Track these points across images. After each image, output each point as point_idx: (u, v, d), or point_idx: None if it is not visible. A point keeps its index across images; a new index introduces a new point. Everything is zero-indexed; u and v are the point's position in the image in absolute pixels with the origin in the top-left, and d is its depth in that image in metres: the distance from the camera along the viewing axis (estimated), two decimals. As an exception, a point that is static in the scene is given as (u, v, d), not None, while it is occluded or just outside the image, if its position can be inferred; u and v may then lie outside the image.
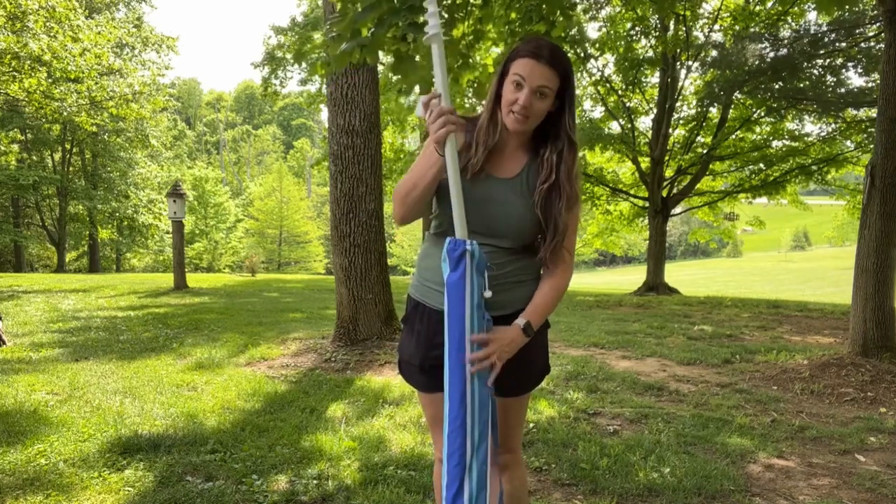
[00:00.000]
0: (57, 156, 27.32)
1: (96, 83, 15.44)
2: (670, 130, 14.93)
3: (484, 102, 1.77)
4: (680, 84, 14.72)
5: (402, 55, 2.94)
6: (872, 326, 5.03)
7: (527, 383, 1.85)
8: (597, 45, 14.55)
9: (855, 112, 12.53)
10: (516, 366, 1.74)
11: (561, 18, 4.93)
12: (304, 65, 17.94)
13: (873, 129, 6.22)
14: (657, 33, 14.19)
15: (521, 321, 1.69)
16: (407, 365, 1.86)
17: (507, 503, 1.91)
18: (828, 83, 11.60)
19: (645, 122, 17.19)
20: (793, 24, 12.86)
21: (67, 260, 28.68)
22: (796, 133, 14.51)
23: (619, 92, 15.51)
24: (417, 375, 1.83)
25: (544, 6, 4.70)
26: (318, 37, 17.54)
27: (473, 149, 1.69)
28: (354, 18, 2.79)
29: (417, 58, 3.07)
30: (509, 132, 1.71)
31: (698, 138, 15.32)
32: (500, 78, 1.69)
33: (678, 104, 15.08)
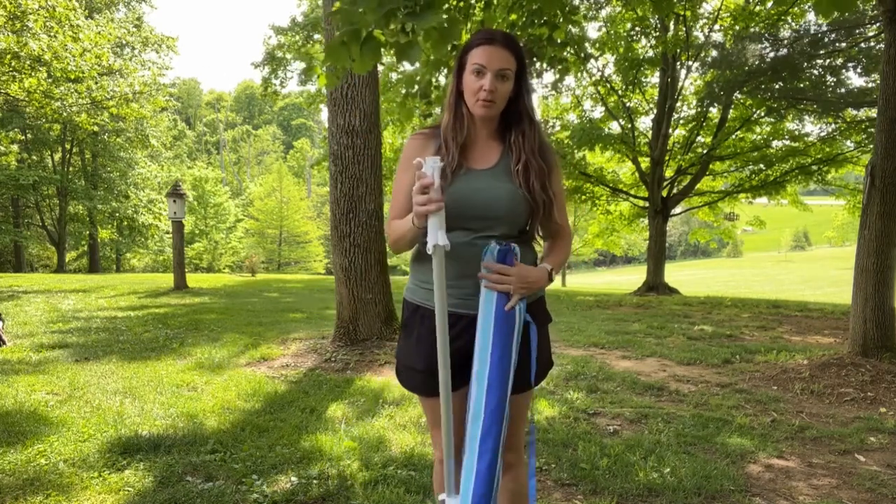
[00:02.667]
0: (57, 156, 27.32)
1: (96, 83, 15.44)
2: (670, 130, 14.93)
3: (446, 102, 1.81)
4: (680, 84, 14.72)
5: (403, 45, 2.92)
6: (872, 326, 5.03)
7: (529, 376, 1.84)
8: (597, 45, 14.55)
9: (855, 112, 12.52)
10: (521, 360, 1.76)
11: (561, 20, 4.93)
12: (314, 78, 17.97)
13: (873, 129, 6.21)
14: (657, 33, 14.19)
15: (546, 265, 1.76)
16: (408, 370, 1.85)
17: (511, 502, 1.91)
18: (828, 83, 11.60)
19: (645, 122, 17.20)
20: (793, 24, 12.85)
21: (67, 260, 28.68)
22: (796, 133, 14.51)
23: (619, 92, 15.51)
24: (423, 380, 1.82)
25: (545, 10, 4.69)
26: (317, 40, 17.55)
27: (444, 149, 1.74)
28: (352, 11, 2.77)
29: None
30: (478, 124, 1.77)
31: (698, 138, 15.32)
32: (458, 72, 1.74)
33: (678, 104, 15.08)
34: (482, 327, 1.67)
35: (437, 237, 1.53)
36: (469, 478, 1.64)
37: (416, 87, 4.99)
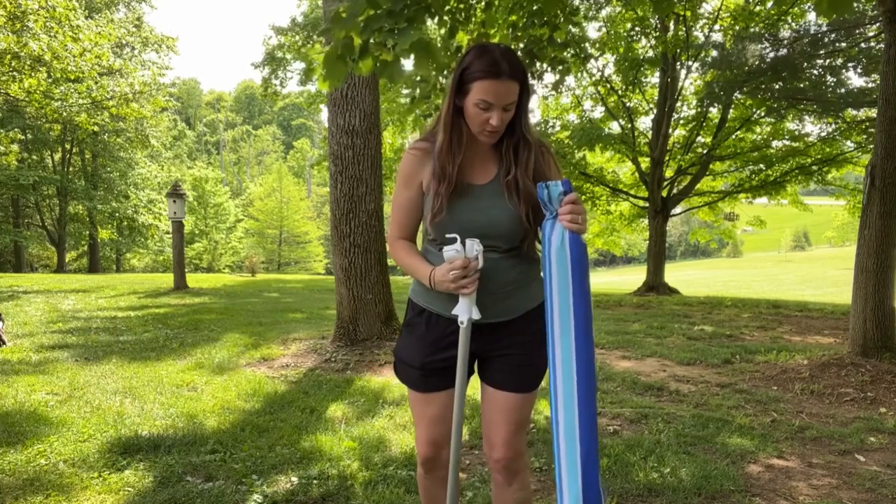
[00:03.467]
0: (57, 156, 27.32)
1: (96, 83, 15.44)
2: (670, 130, 14.93)
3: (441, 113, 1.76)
4: (680, 84, 14.72)
5: (386, 62, 2.97)
6: (872, 326, 5.03)
7: (534, 379, 1.84)
8: (597, 45, 14.55)
9: (855, 112, 12.51)
10: (523, 360, 1.79)
11: (562, 20, 4.93)
12: (314, 79, 17.97)
13: (873, 129, 6.21)
14: (657, 33, 14.18)
15: None
16: (404, 365, 1.89)
17: None
18: (828, 83, 11.59)
19: (645, 122, 17.19)
20: (793, 24, 12.85)
21: (67, 260, 28.67)
22: (796, 133, 14.50)
23: (619, 92, 15.50)
24: (418, 376, 1.85)
25: (545, 11, 4.69)
26: (317, 40, 17.54)
27: (441, 173, 1.71)
28: (344, 24, 2.82)
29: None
30: (476, 141, 1.74)
31: (698, 138, 15.31)
32: (457, 92, 1.68)
33: (678, 104, 15.07)
34: (559, 267, 1.56)
35: (470, 312, 1.65)
36: (574, 472, 1.55)
37: (419, 90, 4.99)
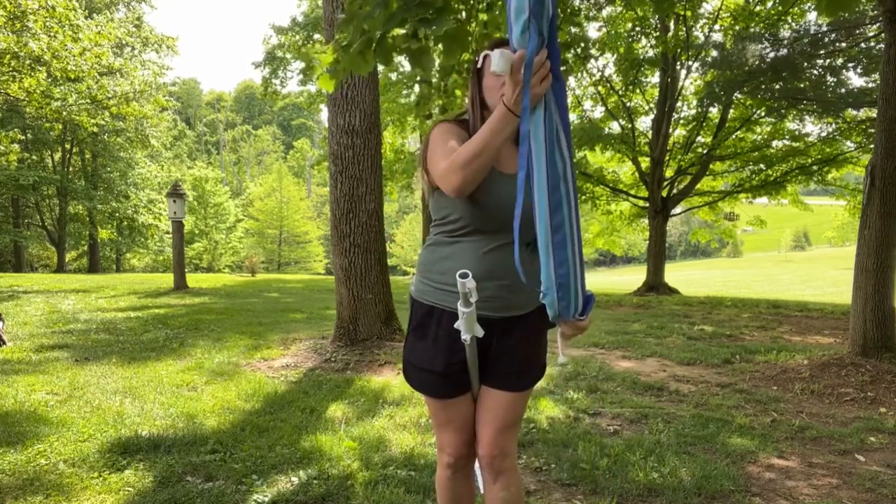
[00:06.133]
0: (57, 156, 27.32)
1: (97, 83, 15.44)
2: (670, 130, 14.93)
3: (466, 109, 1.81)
4: (680, 84, 14.73)
5: (415, 51, 2.92)
6: (872, 326, 5.03)
7: (529, 377, 1.84)
8: (597, 45, 14.56)
9: (855, 112, 12.52)
10: (520, 358, 1.78)
11: (562, 20, 4.93)
12: (314, 78, 17.99)
13: (873, 130, 6.21)
14: (657, 33, 14.19)
15: None
16: (421, 372, 1.82)
17: None
18: (828, 83, 11.59)
19: (645, 122, 17.25)
20: (793, 24, 12.86)
21: (67, 260, 28.67)
22: (796, 133, 14.51)
23: (619, 92, 15.51)
24: (439, 382, 1.80)
25: None
26: (317, 40, 17.52)
27: None
28: (363, 17, 2.77)
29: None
30: None
31: (698, 138, 15.32)
32: (477, 80, 1.75)
33: (678, 104, 15.08)
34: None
35: (473, 329, 1.63)
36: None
37: (422, 89, 5.00)
